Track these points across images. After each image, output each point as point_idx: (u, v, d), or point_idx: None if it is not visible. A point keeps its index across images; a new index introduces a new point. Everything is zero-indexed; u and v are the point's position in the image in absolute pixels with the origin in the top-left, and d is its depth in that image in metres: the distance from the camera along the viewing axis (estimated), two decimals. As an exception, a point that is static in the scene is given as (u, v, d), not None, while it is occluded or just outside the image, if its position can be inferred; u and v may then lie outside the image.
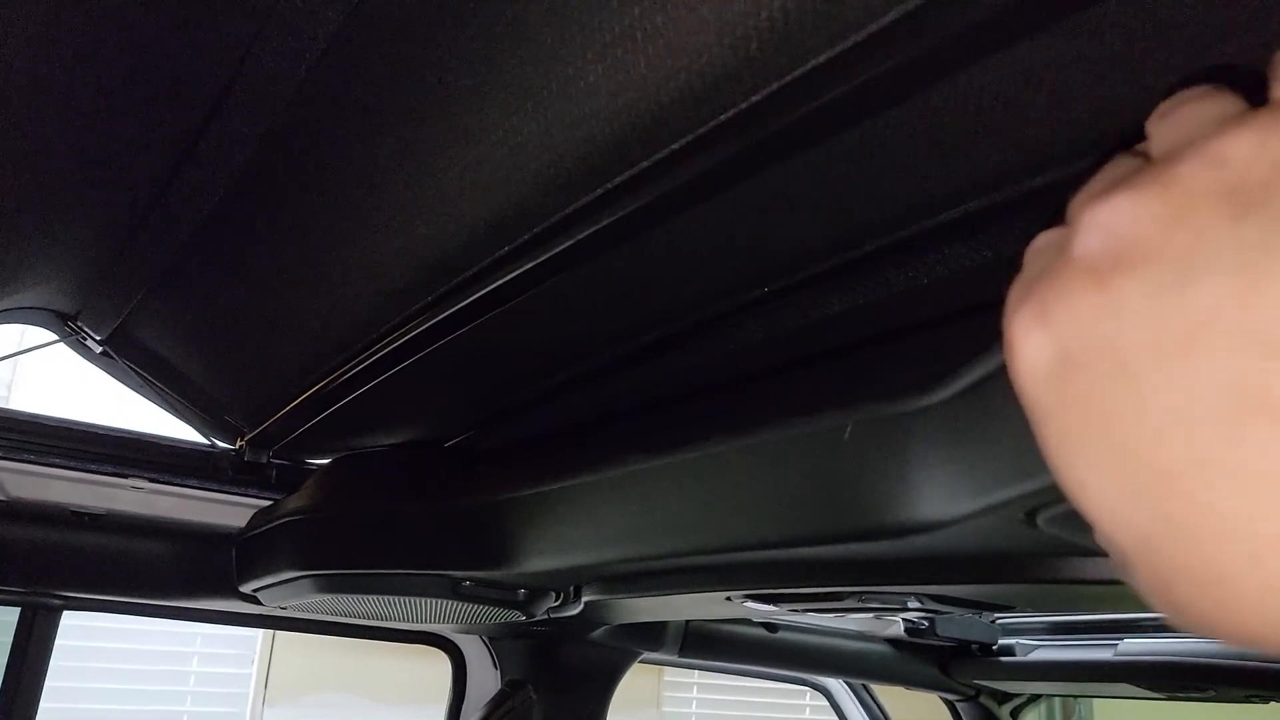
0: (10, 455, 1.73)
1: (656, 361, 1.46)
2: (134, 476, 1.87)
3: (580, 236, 0.93)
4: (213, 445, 2.00)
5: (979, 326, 0.98)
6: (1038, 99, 0.74)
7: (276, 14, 0.93)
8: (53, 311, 1.81)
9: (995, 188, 0.86)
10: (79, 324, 1.85)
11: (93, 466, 1.83)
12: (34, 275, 1.68)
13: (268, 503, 2.00)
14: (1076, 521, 0.36)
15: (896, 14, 0.60)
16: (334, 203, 1.28)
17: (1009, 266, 0.40)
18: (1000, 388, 0.77)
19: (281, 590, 1.91)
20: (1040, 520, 0.85)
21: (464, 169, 1.00)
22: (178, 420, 1.98)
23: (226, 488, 1.98)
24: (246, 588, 2.01)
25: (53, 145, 1.33)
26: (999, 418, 0.78)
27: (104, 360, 1.89)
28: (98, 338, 1.87)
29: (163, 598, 2.08)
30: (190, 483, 1.95)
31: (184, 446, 1.94)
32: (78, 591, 1.97)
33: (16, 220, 1.49)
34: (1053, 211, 0.39)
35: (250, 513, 1.99)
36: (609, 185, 0.85)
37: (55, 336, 1.85)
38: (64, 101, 1.21)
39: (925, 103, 0.74)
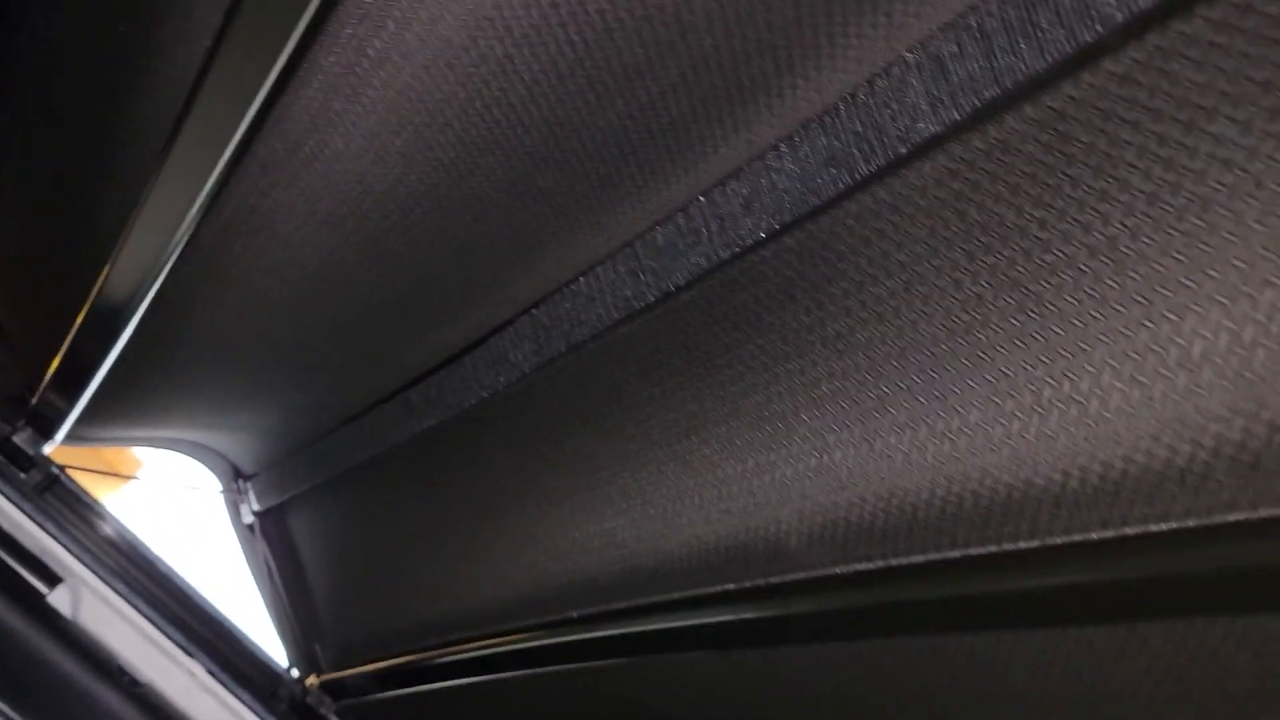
0: (105, 576, 1.74)
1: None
2: (198, 659, 1.81)
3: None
4: (286, 670, 1.91)
5: None
6: None
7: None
8: (231, 463, 1.88)
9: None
10: (248, 486, 1.90)
11: (169, 628, 1.80)
12: (237, 422, 1.77)
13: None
14: None
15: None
16: (470, 509, 1.28)
17: None
18: None
19: None
20: None
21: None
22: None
23: (271, 720, 1.86)
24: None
25: (335, 325, 1.41)
26: None
27: (246, 532, 1.91)
28: (256, 508, 1.91)
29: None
30: (243, 695, 1.86)
31: (259, 656, 1.88)
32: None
33: (259, 376, 1.58)
34: None
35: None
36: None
37: (219, 486, 1.91)
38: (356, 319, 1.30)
39: None
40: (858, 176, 0.78)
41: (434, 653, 1.60)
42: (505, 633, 1.42)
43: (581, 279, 1.06)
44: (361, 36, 0.82)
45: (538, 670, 1.39)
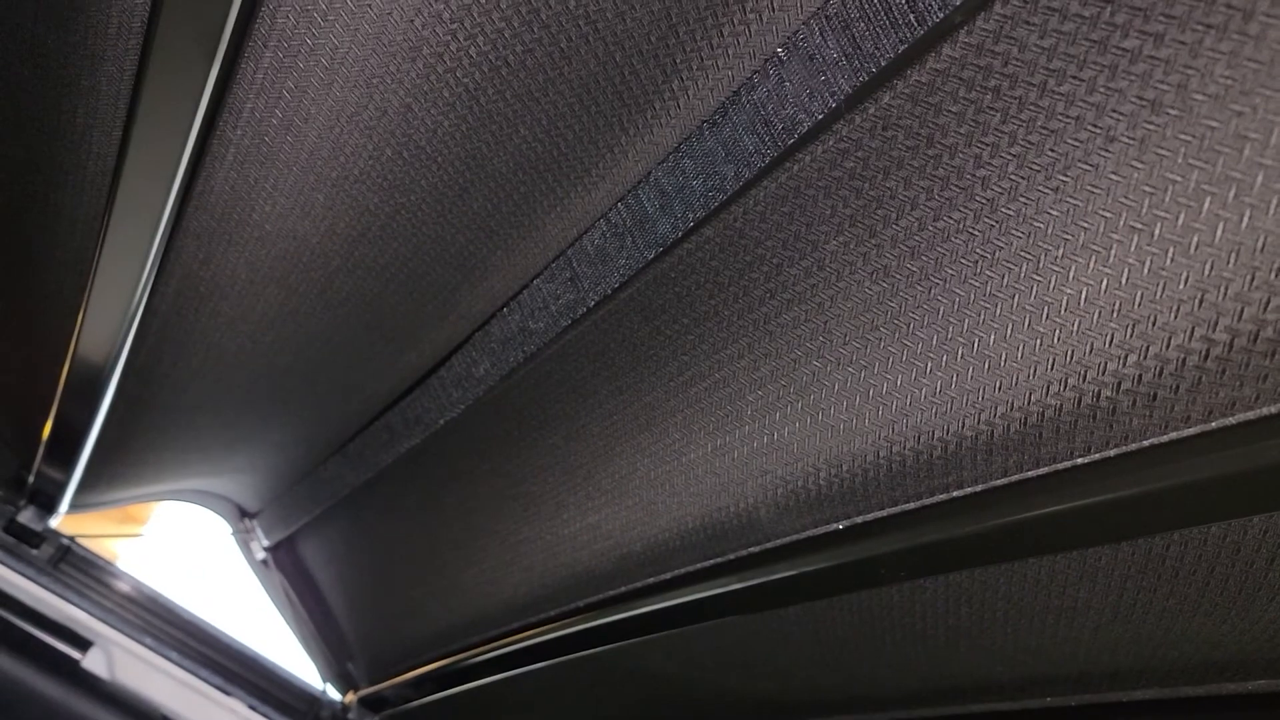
0: (132, 633, 1.81)
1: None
2: (236, 696, 1.89)
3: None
4: (322, 691, 1.99)
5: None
6: None
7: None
8: (235, 504, 1.94)
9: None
10: (254, 523, 1.96)
11: (203, 672, 1.87)
12: (231, 465, 1.82)
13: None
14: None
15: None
16: (465, 518, 1.33)
17: None
18: None
19: None
20: None
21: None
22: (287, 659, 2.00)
23: (319, 743, 1.94)
24: None
25: (302, 367, 1.46)
26: None
27: (261, 567, 1.97)
28: (266, 543, 1.97)
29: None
30: (287, 723, 1.94)
31: (294, 683, 1.95)
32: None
33: (242, 421, 1.63)
34: None
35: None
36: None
37: (229, 528, 1.97)
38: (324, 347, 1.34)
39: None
40: (755, 168, 0.82)
41: (461, 655, 1.67)
42: (522, 629, 1.48)
43: (524, 292, 1.10)
44: (262, 109, 0.85)
45: (557, 660, 1.45)
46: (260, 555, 1.98)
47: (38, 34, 0.85)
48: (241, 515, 1.98)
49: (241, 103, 0.85)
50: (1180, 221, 0.60)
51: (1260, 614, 0.82)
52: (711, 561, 1.10)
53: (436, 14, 0.75)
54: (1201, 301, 0.61)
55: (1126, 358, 0.66)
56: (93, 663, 1.83)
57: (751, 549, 1.04)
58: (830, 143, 0.78)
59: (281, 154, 0.91)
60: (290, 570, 1.98)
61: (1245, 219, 0.57)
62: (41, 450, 1.64)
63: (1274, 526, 0.72)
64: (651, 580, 1.19)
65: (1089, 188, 0.64)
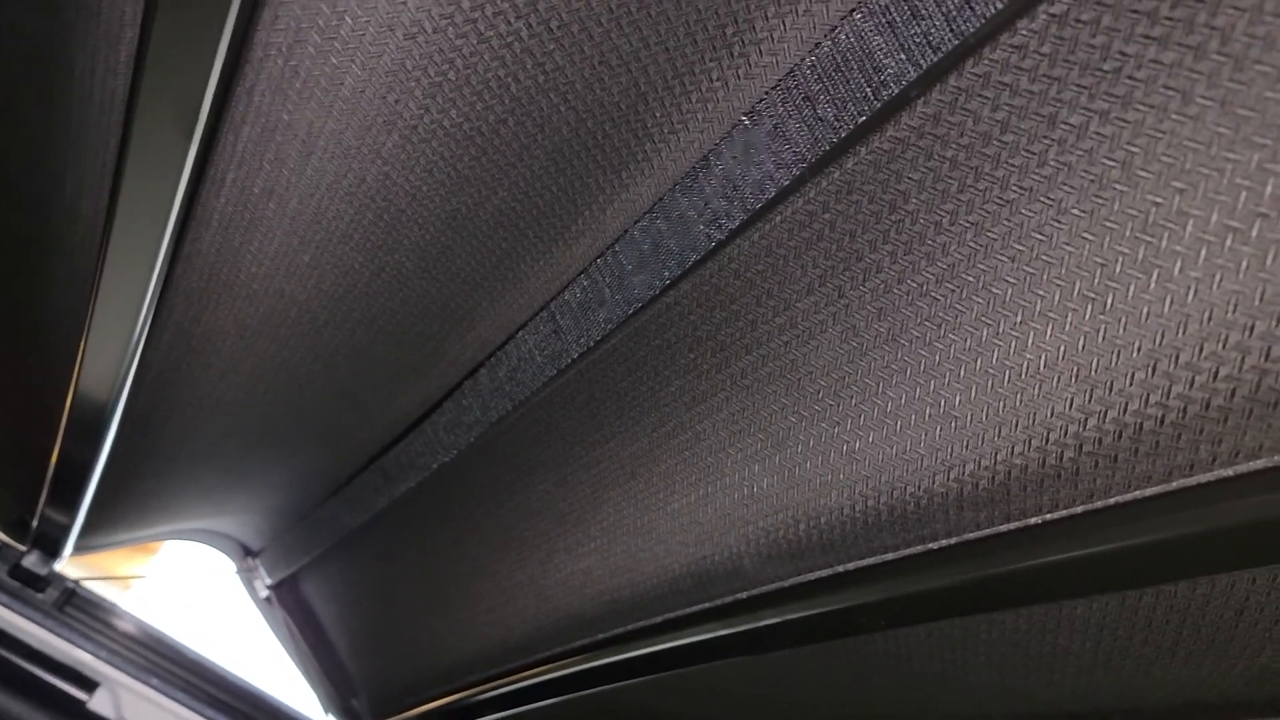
0: (138, 673, 1.83)
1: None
2: (242, 735, 1.91)
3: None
4: (327, 728, 2.01)
5: None
6: None
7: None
8: (239, 542, 1.96)
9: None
10: (258, 561, 1.99)
11: (209, 711, 1.89)
12: (232, 506, 1.85)
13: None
14: None
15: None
16: (461, 560, 1.35)
17: None
18: None
19: None
20: None
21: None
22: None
23: (324, 778, 1.96)
24: None
25: (296, 414, 1.49)
26: None
27: (265, 605, 1.99)
28: (269, 581, 1.99)
29: None
30: (293, 760, 1.95)
31: (299, 720, 1.97)
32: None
33: (241, 464, 1.65)
34: None
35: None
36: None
37: (233, 566, 1.99)
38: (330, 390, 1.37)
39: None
40: (726, 230, 0.84)
41: (464, 693, 1.69)
42: (521, 669, 1.50)
43: (510, 343, 1.12)
44: (243, 179, 0.88)
45: (557, 699, 1.47)
46: (264, 593, 2.00)
47: (26, 112, 0.88)
48: (245, 553, 2.00)
49: (223, 173, 0.88)
50: (1131, 293, 0.62)
51: (1234, 661, 0.83)
52: (699, 607, 1.11)
53: (408, 90, 0.77)
54: (1155, 369, 0.62)
55: (1087, 421, 0.67)
56: (99, 704, 1.85)
57: (738, 595, 1.05)
58: (799, 204, 0.79)
59: (265, 219, 0.93)
60: (294, 608, 2.00)
61: (1191, 292, 0.59)
62: (45, 495, 1.67)
63: (1240, 580, 0.73)
64: (643, 624, 1.20)
65: (1043, 257, 0.65)
